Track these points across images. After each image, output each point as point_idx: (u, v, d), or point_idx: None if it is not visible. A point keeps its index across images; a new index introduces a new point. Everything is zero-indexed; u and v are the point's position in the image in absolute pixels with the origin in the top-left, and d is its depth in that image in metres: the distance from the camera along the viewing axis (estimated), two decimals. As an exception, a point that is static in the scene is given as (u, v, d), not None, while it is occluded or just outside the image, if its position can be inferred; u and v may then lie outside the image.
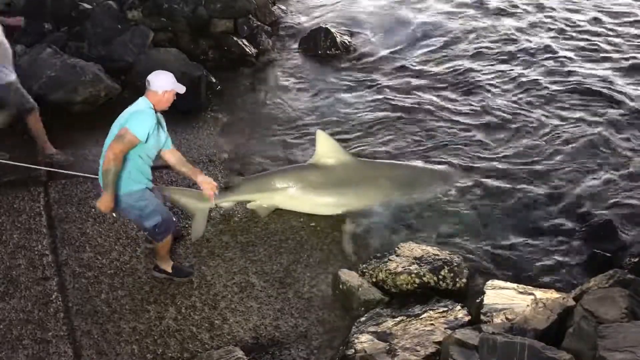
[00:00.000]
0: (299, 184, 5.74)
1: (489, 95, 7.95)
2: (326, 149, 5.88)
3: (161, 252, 4.83)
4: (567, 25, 9.99)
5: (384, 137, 7.01)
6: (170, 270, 4.90)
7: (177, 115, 7.27)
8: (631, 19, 10.19)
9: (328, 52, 9.28)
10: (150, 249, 5.07)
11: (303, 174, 5.86)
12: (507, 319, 3.93)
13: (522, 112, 7.50)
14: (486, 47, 9.29)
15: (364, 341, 4.06)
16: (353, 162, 6.02)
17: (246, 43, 9.15)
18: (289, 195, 5.70)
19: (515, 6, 10.59)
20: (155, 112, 4.51)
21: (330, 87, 8.25)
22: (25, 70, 7.27)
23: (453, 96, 7.93)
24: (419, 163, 6.42)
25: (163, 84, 4.48)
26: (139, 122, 4.34)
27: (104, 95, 7.42)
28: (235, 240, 5.40)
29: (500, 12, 10.51)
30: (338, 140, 6.22)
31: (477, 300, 4.32)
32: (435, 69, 8.68)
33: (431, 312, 4.32)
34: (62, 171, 5.89)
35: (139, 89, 7.60)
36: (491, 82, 8.27)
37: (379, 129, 7.17)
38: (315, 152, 5.93)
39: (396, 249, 5.05)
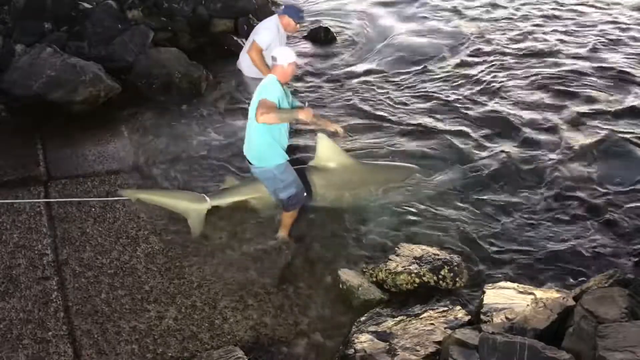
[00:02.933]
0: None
1: (487, 91, 7.97)
2: (327, 152, 5.88)
3: (287, 221, 5.28)
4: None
5: (384, 137, 7.01)
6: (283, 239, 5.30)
7: (176, 113, 7.36)
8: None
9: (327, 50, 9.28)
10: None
11: (304, 175, 5.86)
12: (507, 318, 3.92)
13: (521, 113, 7.50)
14: (482, 47, 9.33)
15: (364, 341, 4.06)
16: (353, 164, 6.03)
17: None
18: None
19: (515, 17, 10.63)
20: (282, 85, 4.99)
21: (328, 86, 8.24)
22: (25, 70, 7.29)
23: (451, 95, 7.93)
24: (418, 163, 6.42)
25: (287, 57, 4.98)
26: (269, 91, 4.86)
27: (104, 95, 7.41)
28: (235, 238, 5.40)
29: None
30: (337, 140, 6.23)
31: (477, 300, 4.32)
32: (436, 69, 8.68)
33: (431, 311, 4.32)
34: (61, 199, 5.76)
35: (139, 89, 7.75)
36: (488, 79, 8.28)
37: (379, 130, 7.17)
38: (316, 155, 5.93)
39: (396, 249, 5.06)
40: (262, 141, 4.99)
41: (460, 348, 3.57)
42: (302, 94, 8.04)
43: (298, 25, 6.27)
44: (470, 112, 7.49)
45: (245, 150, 5.20)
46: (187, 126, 7.13)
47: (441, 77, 8.42)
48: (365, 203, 5.79)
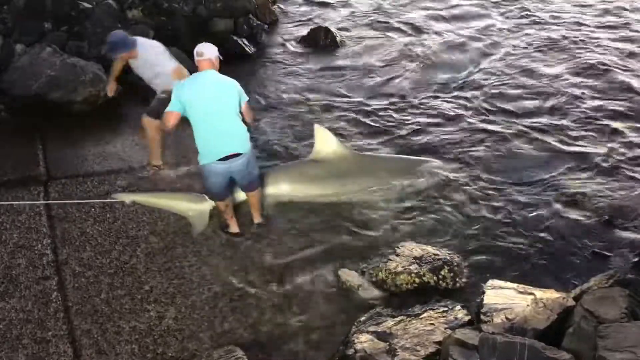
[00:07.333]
0: (299, 180, 5.74)
1: (486, 89, 7.98)
2: (325, 144, 5.88)
3: (259, 202, 5.43)
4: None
5: (384, 135, 7.01)
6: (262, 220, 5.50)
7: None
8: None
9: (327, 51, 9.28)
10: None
11: (303, 170, 5.86)
12: (507, 318, 3.92)
13: (521, 111, 7.51)
14: (478, 45, 9.37)
15: (363, 341, 4.05)
16: (352, 156, 6.03)
17: (246, 42, 9.17)
18: (290, 193, 5.70)
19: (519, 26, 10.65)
20: None
21: (328, 85, 8.25)
22: (25, 70, 7.29)
23: (450, 94, 7.94)
24: (416, 156, 6.42)
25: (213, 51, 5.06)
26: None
27: (104, 95, 7.40)
28: (235, 238, 5.39)
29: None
30: (336, 133, 6.24)
31: (477, 300, 4.32)
32: (437, 69, 8.70)
33: (431, 312, 4.32)
34: (66, 201, 5.71)
35: (139, 89, 7.73)
36: (488, 75, 8.31)
37: (378, 128, 7.17)
38: (314, 148, 5.93)
39: (396, 248, 5.06)
40: (243, 126, 5.02)
41: (460, 348, 3.57)
42: (302, 91, 8.06)
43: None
44: (472, 113, 7.49)
45: (228, 147, 4.95)
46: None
47: (443, 78, 8.43)
48: (365, 199, 5.77)
